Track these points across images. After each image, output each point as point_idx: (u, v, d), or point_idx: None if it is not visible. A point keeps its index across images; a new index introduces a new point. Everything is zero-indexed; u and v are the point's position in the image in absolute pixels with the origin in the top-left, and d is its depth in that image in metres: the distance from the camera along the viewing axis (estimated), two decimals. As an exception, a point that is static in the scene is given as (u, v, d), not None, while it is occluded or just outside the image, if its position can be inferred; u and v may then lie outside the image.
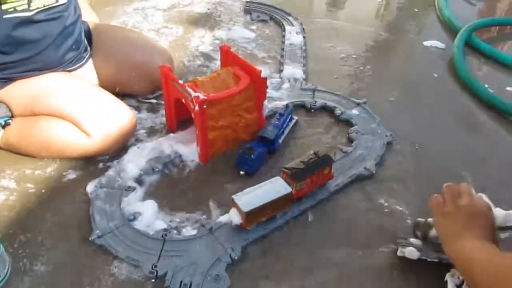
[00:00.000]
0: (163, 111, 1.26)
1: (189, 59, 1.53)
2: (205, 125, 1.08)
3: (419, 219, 0.96)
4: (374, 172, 1.12)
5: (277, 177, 1.00)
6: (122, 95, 1.23)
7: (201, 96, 1.03)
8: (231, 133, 1.14)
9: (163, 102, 1.23)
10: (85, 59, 1.23)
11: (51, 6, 1.07)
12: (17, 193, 1.04)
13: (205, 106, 1.04)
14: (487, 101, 1.43)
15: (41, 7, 1.05)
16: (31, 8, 1.04)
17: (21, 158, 1.12)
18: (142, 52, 1.29)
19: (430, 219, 0.92)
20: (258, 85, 1.13)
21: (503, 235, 0.86)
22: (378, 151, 1.18)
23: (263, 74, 1.11)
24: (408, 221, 1.02)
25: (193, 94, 1.03)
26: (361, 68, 1.57)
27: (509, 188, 1.12)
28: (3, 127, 1.13)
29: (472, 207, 0.84)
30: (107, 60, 1.26)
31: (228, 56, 1.19)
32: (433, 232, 0.91)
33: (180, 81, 1.08)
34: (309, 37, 1.71)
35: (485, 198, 0.88)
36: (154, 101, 1.32)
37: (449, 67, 1.61)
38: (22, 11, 1.03)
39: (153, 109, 1.30)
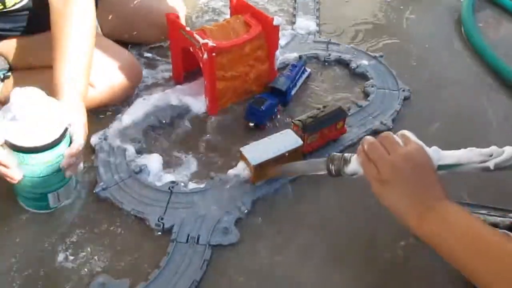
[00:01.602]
0: (162, 67, 1.22)
1: (197, 15, 1.47)
2: (214, 74, 1.03)
3: (334, 153, 0.82)
4: (391, 127, 1.07)
5: (288, 130, 0.96)
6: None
7: (210, 43, 0.97)
8: (241, 84, 1.09)
9: (159, 58, 1.19)
10: None
11: None
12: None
13: (214, 54, 0.99)
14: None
15: None
16: None
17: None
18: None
19: (347, 154, 0.80)
20: (270, 33, 1.07)
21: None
22: (395, 106, 1.13)
23: (275, 22, 1.05)
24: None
25: (202, 41, 0.98)
26: (377, 21, 1.50)
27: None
28: (2, 80, 1.09)
29: (410, 158, 0.70)
30: (113, 6, 1.20)
31: (238, 3, 1.13)
32: (349, 169, 0.78)
33: (188, 28, 1.03)
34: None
35: (412, 137, 0.74)
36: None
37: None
38: None
39: (151, 65, 1.24)
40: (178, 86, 1.15)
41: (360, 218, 0.91)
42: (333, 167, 0.80)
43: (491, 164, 0.72)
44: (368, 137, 0.75)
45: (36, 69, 1.06)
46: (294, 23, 1.41)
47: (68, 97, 0.87)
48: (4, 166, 0.78)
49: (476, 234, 0.64)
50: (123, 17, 1.22)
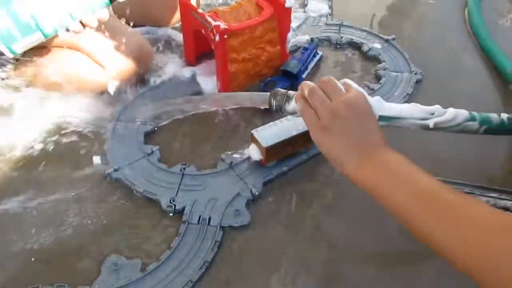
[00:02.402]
0: (175, 49, 1.22)
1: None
2: (226, 57, 1.02)
3: (278, 89, 0.82)
4: (402, 110, 1.06)
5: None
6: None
7: (222, 25, 0.97)
8: (252, 67, 1.09)
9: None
10: None
11: None
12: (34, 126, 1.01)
13: (226, 36, 0.98)
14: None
15: None
16: None
17: (36, 90, 1.08)
18: None
19: (290, 91, 0.80)
20: (282, 16, 1.06)
21: None
22: (407, 89, 1.12)
23: (287, 4, 1.04)
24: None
25: (213, 23, 0.97)
26: (391, 4, 1.49)
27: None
28: (17, 59, 1.09)
29: (351, 104, 0.68)
30: None
31: (250, -15, 1.12)
32: (290, 106, 0.79)
33: (200, 10, 1.02)
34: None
35: (353, 84, 0.74)
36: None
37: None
38: None
39: (164, 47, 1.23)
40: (191, 67, 1.15)
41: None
42: (274, 102, 0.80)
43: (431, 122, 0.74)
44: (307, 82, 0.73)
45: (49, 48, 1.07)
46: (306, 5, 1.40)
47: None
48: None
49: (420, 183, 0.61)
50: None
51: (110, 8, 1.15)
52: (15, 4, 0.77)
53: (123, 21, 1.12)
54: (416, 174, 0.62)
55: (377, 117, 0.73)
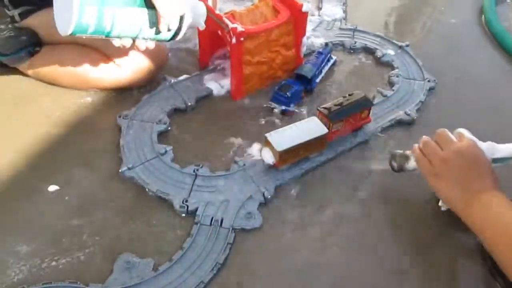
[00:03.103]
0: (189, 50, 1.22)
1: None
2: (241, 59, 1.03)
3: (396, 150, 0.90)
4: (415, 117, 1.06)
5: (313, 117, 0.96)
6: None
7: (239, 28, 0.97)
8: (267, 70, 1.09)
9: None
10: None
11: None
12: (49, 120, 1.02)
13: (242, 39, 0.99)
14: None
15: None
16: None
17: (53, 87, 1.10)
18: None
19: (408, 151, 0.88)
20: (298, 20, 1.07)
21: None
22: (420, 96, 1.12)
23: (304, 9, 1.04)
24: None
25: (231, 25, 0.98)
26: (405, 11, 1.49)
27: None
28: (32, 54, 1.10)
29: (460, 153, 0.77)
30: None
31: (267, -13, 1.13)
32: (409, 165, 0.87)
33: (217, 12, 1.03)
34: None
35: (466, 133, 0.82)
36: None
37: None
38: None
39: (178, 47, 1.24)
40: (205, 69, 1.15)
41: (386, 199, 0.91)
42: (395, 164, 0.89)
43: None
44: (424, 136, 0.84)
45: (66, 44, 1.07)
46: (320, 8, 1.41)
47: None
48: None
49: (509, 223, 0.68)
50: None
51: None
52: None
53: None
54: (505, 213, 0.70)
55: (491, 160, 0.80)
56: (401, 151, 0.89)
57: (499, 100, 1.17)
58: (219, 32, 1.04)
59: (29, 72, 1.11)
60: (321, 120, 0.95)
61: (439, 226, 0.86)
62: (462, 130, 0.82)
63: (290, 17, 1.06)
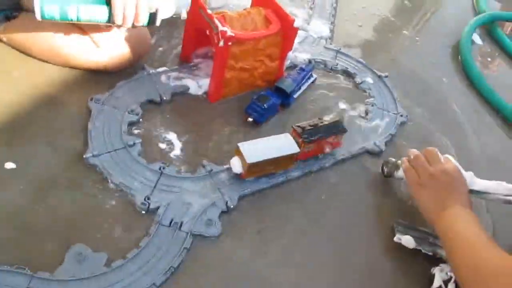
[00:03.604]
0: (173, 42, 1.20)
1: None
2: (225, 63, 1.02)
3: (390, 158, 1.01)
4: (383, 149, 1.08)
5: (287, 134, 0.96)
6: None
7: (229, 32, 0.96)
8: (248, 77, 1.09)
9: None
10: None
11: None
12: (16, 92, 0.98)
13: (230, 44, 0.98)
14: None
15: None
16: None
17: (26, 58, 1.05)
18: None
19: (399, 161, 0.97)
20: (288, 33, 1.07)
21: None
22: (391, 129, 1.14)
23: (295, 24, 1.04)
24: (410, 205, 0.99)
25: (221, 28, 0.97)
26: (392, 36, 1.52)
27: None
28: (9, 19, 1.06)
29: (446, 173, 0.87)
30: None
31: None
32: (398, 173, 0.97)
33: (209, 11, 1.01)
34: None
35: (452, 160, 0.92)
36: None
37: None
38: None
39: (162, 38, 1.21)
40: (185, 64, 1.14)
41: (345, 223, 0.93)
42: (386, 170, 1.00)
43: None
44: (414, 150, 0.95)
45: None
46: (308, 24, 1.41)
47: None
48: None
49: (471, 242, 0.77)
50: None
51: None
52: None
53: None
54: (473, 229, 0.78)
55: (468, 189, 0.89)
56: (394, 160, 0.99)
57: (469, 143, 1.22)
58: (207, 32, 1.02)
59: (2, 37, 1.06)
60: (294, 138, 0.95)
61: (392, 253, 0.89)
62: (449, 156, 0.92)
63: (281, 29, 1.05)
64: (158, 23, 0.97)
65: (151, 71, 1.09)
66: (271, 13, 1.07)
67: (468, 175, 0.91)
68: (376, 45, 1.48)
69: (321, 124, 0.99)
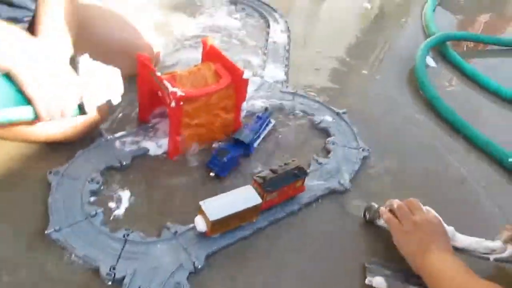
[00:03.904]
0: (130, 103, 1.21)
1: (176, 47, 1.48)
2: (180, 122, 1.03)
3: (372, 203, 1.02)
4: (348, 187, 1.09)
5: (248, 186, 0.97)
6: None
7: (179, 92, 0.98)
8: (205, 132, 1.10)
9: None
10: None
11: None
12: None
13: (181, 103, 0.99)
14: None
15: None
16: None
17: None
18: (124, 30, 1.24)
19: (381, 208, 0.99)
20: (239, 85, 1.09)
21: None
22: (354, 165, 1.16)
23: (245, 76, 1.06)
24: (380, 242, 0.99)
25: (171, 89, 0.98)
26: (343, 78, 1.55)
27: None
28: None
29: (429, 222, 0.91)
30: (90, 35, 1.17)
31: (211, 51, 1.14)
32: (380, 221, 1.00)
33: (158, 73, 1.03)
34: (295, 38, 1.66)
35: (433, 211, 0.95)
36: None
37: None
38: None
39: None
40: (143, 126, 1.15)
41: (318, 268, 0.93)
42: (368, 215, 1.02)
43: (491, 257, 0.93)
44: (396, 200, 0.97)
45: None
46: (263, 69, 1.44)
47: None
48: None
49: (457, 279, 0.81)
50: (97, 45, 1.19)
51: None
52: None
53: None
54: (458, 268, 0.83)
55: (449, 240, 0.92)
56: (376, 206, 1.01)
57: (435, 166, 1.23)
58: (159, 93, 1.04)
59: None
60: (255, 189, 0.96)
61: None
62: (429, 208, 0.95)
63: (231, 82, 1.07)
64: (89, 111, 0.95)
65: (108, 137, 1.09)
66: (221, 67, 1.09)
67: (450, 230, 0.94)
68: (335, 87, 1.49)
69: (282, 171, 0.99)
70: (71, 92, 0.91)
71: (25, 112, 0.89)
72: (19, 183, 0.98)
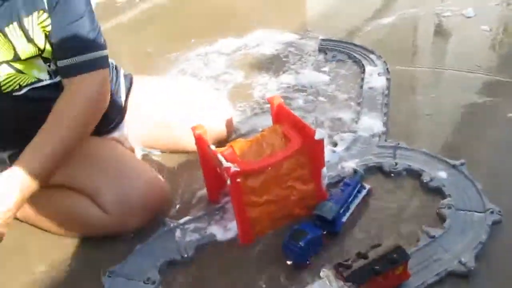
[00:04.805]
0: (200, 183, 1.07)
1: (254, 111, 1.33)
2: (242, 200, 0.86)
3: None
4: (472, 268, 0.81)
5: (323, 281, 0.75)
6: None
7: (233, 168, 0.81)
8: (279, 209, 0.91)
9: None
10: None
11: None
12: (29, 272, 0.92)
13: (238, 180, 0.82)
14: None
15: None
16: None
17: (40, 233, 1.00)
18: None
19: None
20: (313, 148, 0.89)
21: None
22: (480, 236, 0.87)
23: (318, 136, 0.86)
24: None
25: (224, 164, 0.82)
26: (461, 121, 1.25)
27: None
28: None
29: None
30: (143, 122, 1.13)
31: (279, 111, 0.97)
32: None
33: (212, 147, 0.87)
34: (396, 80, 1.40)
35: None
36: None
37: None
38: None
39: (185, 181, 1.10)
40: (211, 207, 0.99)
41: None
42: None
43: None
44: None
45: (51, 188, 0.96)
46: (356, 122, 1.22)
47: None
48: None
49: None
50: (157, 126, 1.13)
51: (128, 137, 1.06)
52: None
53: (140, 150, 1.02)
54: None
55: None
56: None
57: None
58: (218, 170, 0.88)
59: (19, 216, 1.00)
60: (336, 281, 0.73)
61: None
62: None
63: (303, 146, 0.88)
64: None
65: (172, 225, 0.95)
66: (290, 130, 0.91)
67: None
68: (445, 129, 1.20)
69: (375, 255, 0.76)
70: None
71: None
72: (75, 283, 0.90)
